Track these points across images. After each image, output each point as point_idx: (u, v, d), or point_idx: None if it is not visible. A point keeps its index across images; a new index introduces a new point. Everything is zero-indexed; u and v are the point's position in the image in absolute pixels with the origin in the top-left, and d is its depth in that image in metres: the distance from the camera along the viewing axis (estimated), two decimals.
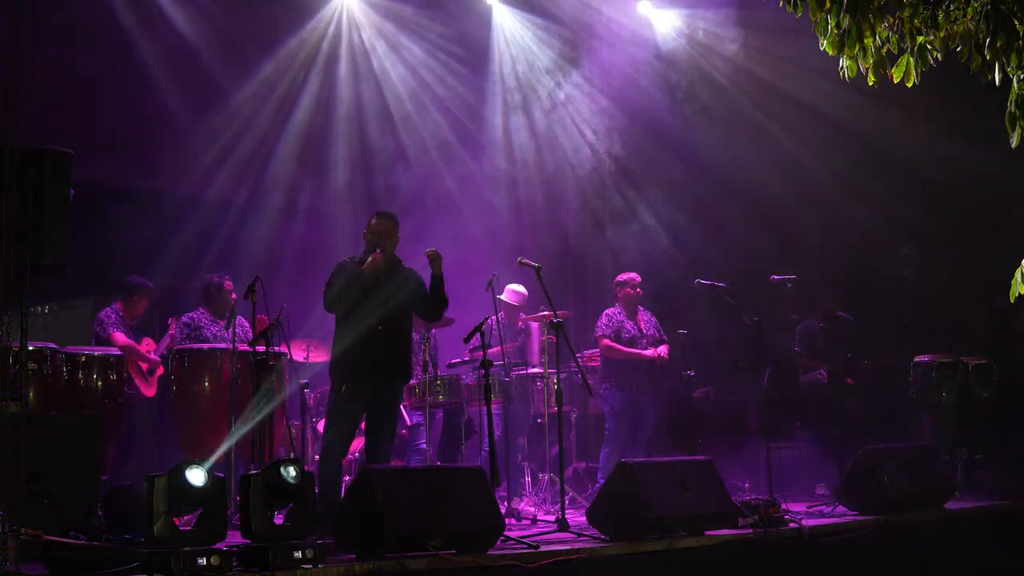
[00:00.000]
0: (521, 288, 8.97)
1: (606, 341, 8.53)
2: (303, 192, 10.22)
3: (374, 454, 6.51)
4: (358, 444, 8.19)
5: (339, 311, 6.51)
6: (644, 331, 8.62)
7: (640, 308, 8.80)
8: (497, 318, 8.07)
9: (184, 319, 7.88)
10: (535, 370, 8.63)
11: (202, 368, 7.32)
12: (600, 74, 11.33)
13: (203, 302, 7.98)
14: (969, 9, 4.51)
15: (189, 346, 7.53)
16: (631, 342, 8.51)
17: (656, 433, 8.78)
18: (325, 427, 6.66)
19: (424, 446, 8.16)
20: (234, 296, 7.82)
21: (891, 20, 4.64)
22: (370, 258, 6.46)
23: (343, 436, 6.47)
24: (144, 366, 8.08)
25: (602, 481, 8.14)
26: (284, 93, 10.10)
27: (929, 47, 4.65)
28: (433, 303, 6.66)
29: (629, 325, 8.59)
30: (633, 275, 8.81)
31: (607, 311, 8.74)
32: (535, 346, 8.91)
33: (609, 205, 12.11)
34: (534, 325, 8.93)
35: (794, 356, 9.65)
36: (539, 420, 8.53)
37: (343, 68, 10.50)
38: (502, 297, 8.76)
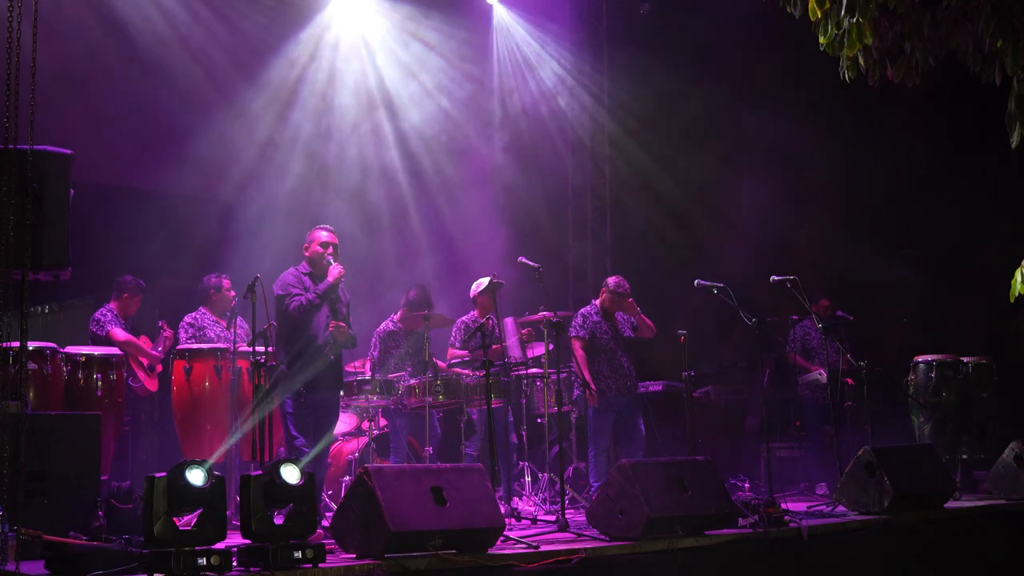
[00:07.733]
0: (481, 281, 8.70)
1: (576, 344, 8.41)
2: (304, 193, 10.21)
3: (319, 457, 6.64)
4: (359, 444, 8.19)
5: (297, 322, 6.63)
6: (622, 332, 8.54)
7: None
8: (498, 317, 8.06)
9: (187, 319, 7.87)
10: (535, 370, 8.62)
11: (202, 368, 7.32)
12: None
13: (203, 302, 7.98)
14: (969, 9, 4.52)
15: (190, 346, 7.54)
16: (606, 344, 8.45)
17: (655, 433, 8.75)
18: (291, 436, 6.66)
19: (428, 451, 8.13)
20: (232, 294, 7.83)
21: (891, 20, 4.64)
22: (338, 270, 6.68)
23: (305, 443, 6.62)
24: (145, 361, 8.07)
25: (593, 483, 8.14)
26: (286, 93, 10.10)
27: (929, 47, 4.65)
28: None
29: (605, 326, 8.52)
30: (620, 279, 8.64)
31: (582, 310, 8.63)
32: (512, 341, 8.82)
33: (608, 204, 12.12)
34: (508, 321, 8.83)
35: (791, 357, 9.65)
36: (539, 420, 8.52)
37: (344, 68, 10.49)
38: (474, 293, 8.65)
